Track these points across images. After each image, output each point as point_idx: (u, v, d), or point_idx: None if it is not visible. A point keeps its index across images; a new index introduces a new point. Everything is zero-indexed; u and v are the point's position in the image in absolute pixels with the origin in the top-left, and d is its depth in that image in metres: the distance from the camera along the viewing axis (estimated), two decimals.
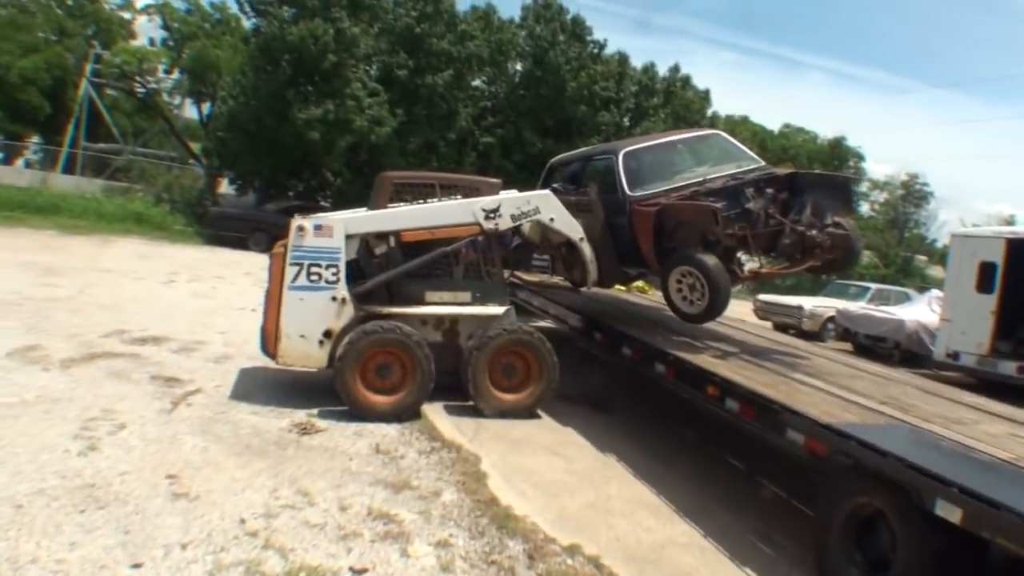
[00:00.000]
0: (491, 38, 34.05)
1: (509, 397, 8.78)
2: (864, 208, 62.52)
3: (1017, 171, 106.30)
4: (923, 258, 58.48)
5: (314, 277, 8.21)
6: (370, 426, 7.83)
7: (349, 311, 8.30)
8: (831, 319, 21.87)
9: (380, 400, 8.16)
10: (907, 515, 4.86)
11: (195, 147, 42.09)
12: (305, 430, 7.51)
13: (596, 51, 35.78)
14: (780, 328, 21.80)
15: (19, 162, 42.73)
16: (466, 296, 8.97)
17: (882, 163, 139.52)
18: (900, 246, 57.65)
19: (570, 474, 7.33)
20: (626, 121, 34.23)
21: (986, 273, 15.75)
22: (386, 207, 8.86)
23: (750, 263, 9.38)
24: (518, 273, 11.97)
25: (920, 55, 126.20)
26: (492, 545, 5.43)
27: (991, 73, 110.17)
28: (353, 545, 5.18)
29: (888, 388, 7.93)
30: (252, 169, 30.77)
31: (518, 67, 36.02)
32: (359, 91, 29.19)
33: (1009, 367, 15.09)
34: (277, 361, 8.38)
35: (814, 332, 22.08)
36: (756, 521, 6.68)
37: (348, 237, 8.38)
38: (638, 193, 9.16)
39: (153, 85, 42.06)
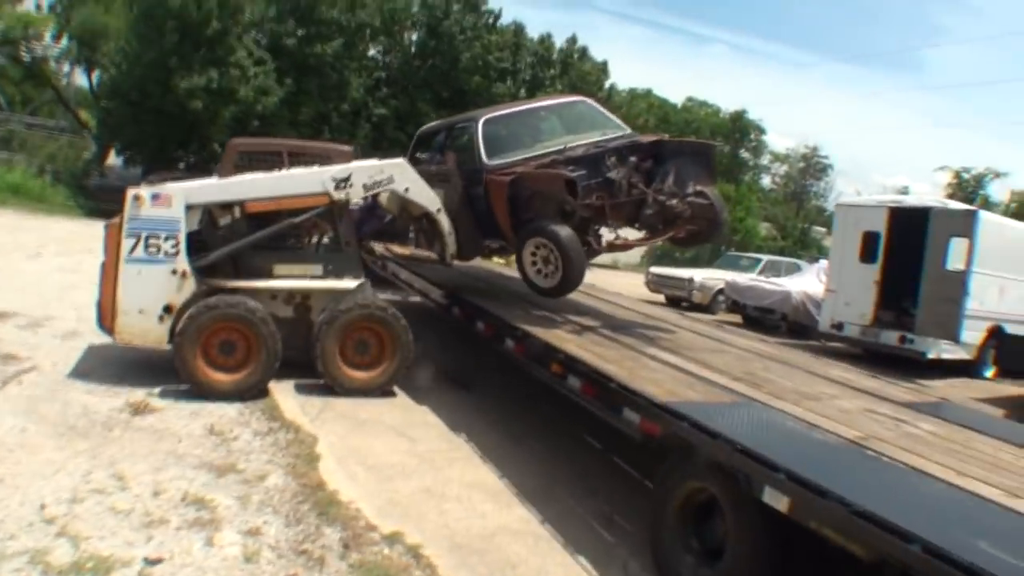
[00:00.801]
0: (383, 6, 33.33)
1: (361, 375, 8.44)
2: (765, 181, 63.86)
3: (914, 143, 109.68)
4: (821, 230, 59.75)
5: (152, 249, 7.80)
6: (210, 406, 7.48)
7: (191, 285, 7.89)
8: (721, 291, 21.89)
9: (222, 378, 7.78)
10: (738, 502, 4.56)
11: (86, 117, 40.46)
12: (138, 410, 7.13)
13: (491, 21, 35.40)
14: (672, 301, 21.92)
15: None
16: (317, 269, 8.61)
17: (784, 136, 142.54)
18: (798, 218, 58.89)
19: (412, 456, 7.03)
20: (523, 92, 33.82)
21: (869, 243, 15.67)
22: (231, 176, 8.45)
23: (608, 234, 9.15)
24: (391, 246, 11.64)
25: (821, 29, 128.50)
26: (307, 533, 5.13)
27: (892, 47, 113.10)
28: (156, 533, 4.85)
29: (749, 363, 7.73)
30: (138, 139, 29.66)
31: (412, 37, 35.43)
32: (244, 60, 28.30)
33: (891, 337, 15.13)
34: (115, 338, 7.98)
35: (705, 304, 22.20)
36: (603, 504, 6.45)
37: (189, 207, 7.97)
38: (496, 162, 8.85)
39: (40, 52, 40.10)
